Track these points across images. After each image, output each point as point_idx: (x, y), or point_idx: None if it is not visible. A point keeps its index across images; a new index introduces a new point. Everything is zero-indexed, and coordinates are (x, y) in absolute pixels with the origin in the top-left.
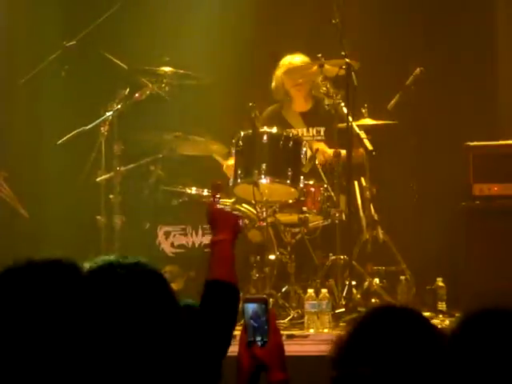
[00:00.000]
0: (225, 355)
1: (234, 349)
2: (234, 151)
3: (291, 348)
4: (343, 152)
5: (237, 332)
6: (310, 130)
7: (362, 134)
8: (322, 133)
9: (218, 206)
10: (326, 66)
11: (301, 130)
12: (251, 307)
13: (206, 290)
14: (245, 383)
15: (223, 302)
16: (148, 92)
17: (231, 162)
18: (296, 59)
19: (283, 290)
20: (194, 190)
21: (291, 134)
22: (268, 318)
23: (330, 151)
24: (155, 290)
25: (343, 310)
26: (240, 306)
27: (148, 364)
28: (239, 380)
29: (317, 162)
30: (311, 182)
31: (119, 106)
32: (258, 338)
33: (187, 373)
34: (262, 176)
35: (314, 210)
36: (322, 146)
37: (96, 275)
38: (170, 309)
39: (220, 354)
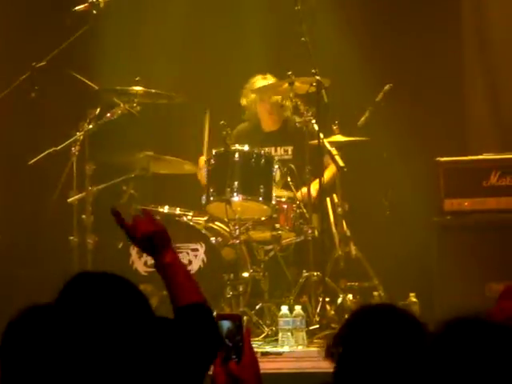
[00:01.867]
0: (205, 370)
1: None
2: (205, 170)
3: (266, 365)
4: (316, 183)
5: None
6: (278, 149)
7: (334, 151)
8: (289, 152)
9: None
10: (297, 84)
11: (268, 149)
12: (225, 325)
13: (178, 317)
14: None
15: (199, 324)
16: (119, 111)
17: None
18: (259, 81)
19: (257, 307)
20: (166, 209)
21: (263, 152)
22: (242, 335)
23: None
24: (130, 298)
25: (317, 326)
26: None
27: (124, 373)
28: None
29: (290, 182)
30: (284, 199)
31: (90, 126)
32: (233, 356)
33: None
34: (235, 194)
35: (287, 227)
36: (314, 185)
37: (71, 283)
38: (145, 318)
39: (202, 372)
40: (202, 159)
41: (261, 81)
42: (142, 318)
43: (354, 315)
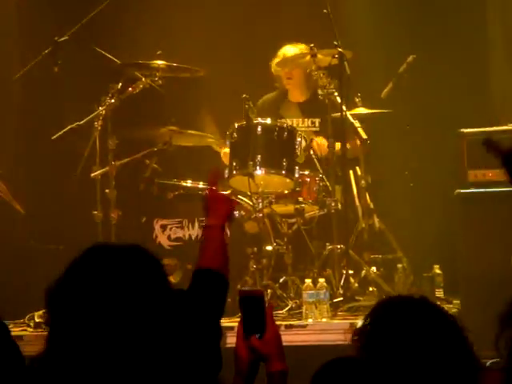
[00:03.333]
0: (217, 345)
1: (232, 340)
2: (228, 143)
3: (290, 338)
4: (338, 145)
5: (231, 323)
6: (306, 120)
7: (356, 123)
8: (316, 124)
9: (215, 191)
10: (319, 56)
11: (296, 121)
12: (248, 300)
13: (193, 279)
14: (244, 375)
15: (210, 292)
16: (141, 86)
17: (227, 149)
18: (289, 50)
19: (281, 280)
20: (189, 183)
21: (285, 125)
22: (265, 310)
23: (325, 143)
24: (148, 269)
25: (341, 299)
26: (237, 299)
27: (141, 346)
28: (238, 372)
29: (312, 154)
30: (306, 172)
31: (113, 101)
32: (256, 331)
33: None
34: (257, 167)
35: (310, 200)
36: (319, 140)
37: (90, 254)
38: (163, 290)
39: (211, 344)
40: (224, 150)
41: (285, 51)
42: (155, 288)
43: (379, 308)
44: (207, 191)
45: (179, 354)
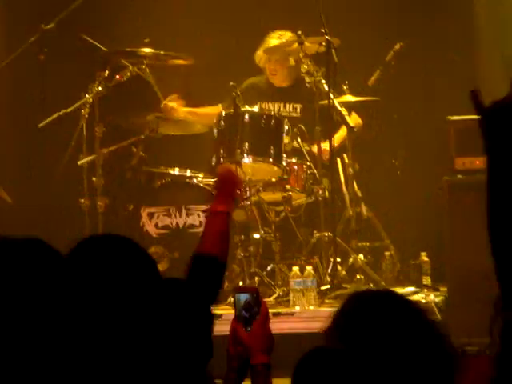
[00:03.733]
0: (209, 332)
1: (221, 328)
2: (215, 131)
3: (277, 326)
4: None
5: (219, 311)
6: (287, 105)
7: (344, 111)
8: (298, 110)
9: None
10: (306, 44)
11: (277, 105)
12: (243, 298)
13: (194, 263)
14: (235, 370)
15: (209, 279)
16: (129, 73)
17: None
18: (273, 40)
19: (268, 268)
20: (176, 171)
21: (273, 113)
22: (260, 307)
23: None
24: (136, 261)
25: (328, 286)
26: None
27: (131, 337)
28: (230, 369)
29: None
30: (294, 160)
31: (100, 88)
32: (249, 327)
33: (172, 348)
34: (245, 155)
35: (298, 188)
36: (324, 146)
37: (79, 248)
38: (152, 281)
39: (203, 331)
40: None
41: (276, 38)
42: (147, 280)
43: (349, 302)
44: (221, 170)
45: (170, 341)
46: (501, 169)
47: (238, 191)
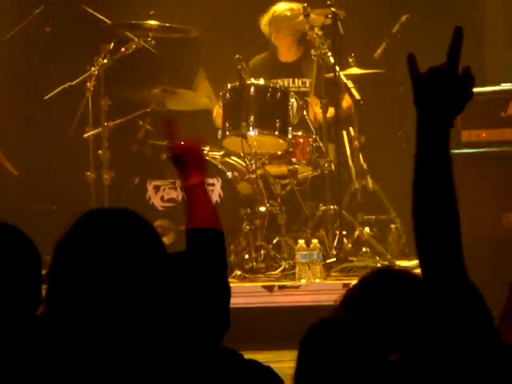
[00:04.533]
0: (226, 303)
1: (237, 300)
2: (221, 104)
3: (283, 299)
4: (331, 110)
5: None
6: (296, 80)
7: (350, 84)
8: (307, 84)
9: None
10: (312, 16)
11: (287, 81)
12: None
13: (189, 241)
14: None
15: (209, 250)
16: (134, 46)
17: (220, 110)
18: (280, 7)
19: (274, 241)
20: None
21: (278, 86)
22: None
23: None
24: (141, 234)
25: (334, 259)
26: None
27: (141, 309)
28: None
29: (308, 119)
30: (300, 133)
31: (105, 61)
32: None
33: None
34: (250, 128)
35: (304, 161)
36: (317, 109)
37: (83, 221)
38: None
39: (220, 302)
40: (217, 108)
41: (282, 9)
42: (152, 253)
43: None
44: (171, 149)
45: (181, 314)
46: (426, 135)
47: (202, 156)
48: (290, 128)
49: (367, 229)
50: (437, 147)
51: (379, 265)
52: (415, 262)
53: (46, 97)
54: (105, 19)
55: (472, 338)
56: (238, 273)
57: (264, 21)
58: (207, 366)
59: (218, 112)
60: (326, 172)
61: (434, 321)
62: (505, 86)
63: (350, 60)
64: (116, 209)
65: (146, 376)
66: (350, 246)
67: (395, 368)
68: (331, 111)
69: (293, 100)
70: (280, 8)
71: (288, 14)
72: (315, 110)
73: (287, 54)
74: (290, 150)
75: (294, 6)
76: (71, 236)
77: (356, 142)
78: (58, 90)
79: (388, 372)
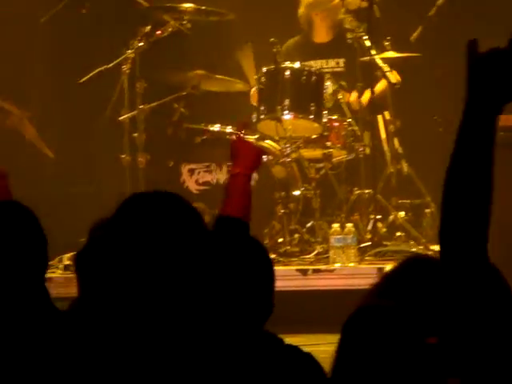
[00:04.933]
0: (270, 287)
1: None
2: (256, 87)
3: (317, 282)
4: (367, 94)
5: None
6: (330, 61)
7: (385, 67)
8: (341, 64)
9: (243, 140)
10: None
11: (320, 62)
12: None
13: (216, 225)
14: None
15: (231, 239)
16: (170, 29)
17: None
18: None
19: (308, 225)
20: (217, 127)
21: (314, 69)
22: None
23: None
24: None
25: (369, 243)
26: None
27: (186, 292)
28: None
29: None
30: (335, 117)
31: (141, 44)
32: None
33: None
34: (285, 112)
35: (338, 145)
36: (352, 97)
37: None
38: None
39: (265, 285)
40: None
41: None
42: (197, 234)
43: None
44: (235, 138)
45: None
46: (474, 119)
47: (259, 158)
48: (325, 112)
49: (402, 213)
50: (483, 132)
51: (414, 249)
52: None
53: (82, 80)
54: (142, 1)
55: (496, 320)
56: (272, 256)
57: (301, 8)
58: (249, 349)
59: (254, 91)
60: (361, 156)
61: (457, 303)
62: None
63: (386, 43)
64: (160, 192)
65: (189, 358)
66: (384, 230)
67: (434, 351)
68: (366, 95)
69: (328, 83)
70: None
71: None
72: (350, 99)
73: (322, 34)
74: (325, 133)
75: None
76: (117, 219)
77: (391, 126)
78: (93, 72)
79: (428, 355)
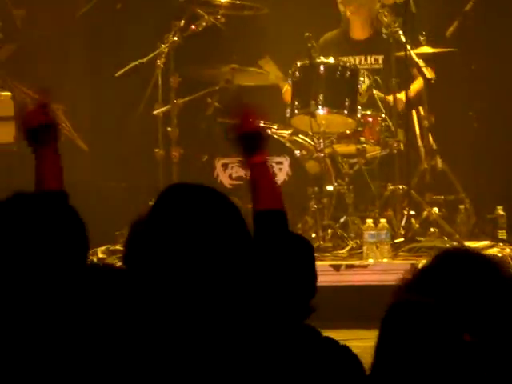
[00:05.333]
0: (307, 285)
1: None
2: (290, 82)
3: (351, 278)
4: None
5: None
6: (368, 58)
7: (421, 62)
8: (380, 61)
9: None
10: None
11: (358, 58)
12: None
13: (255, 222)
14: None
15: (279, 233)
16: (204, 23)
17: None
18: None
19: (341, 220)
20: None
21: (348, 64)
22: None
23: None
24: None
25: (402, 239)
26: None
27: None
28: None
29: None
30: (369, 112)
31: (175, 38)
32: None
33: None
34: (319, 107)
35: (372, 141)
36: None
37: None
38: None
39: (299, 285)
40: (287, 85)
41: None
42: (235, 228)
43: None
44: (236, 130)
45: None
46: None
47: (265, 137)
48: (360, 107)
49: (436, 209)
50: None
51: (448, 245)
52: (484, 243)
53: (117, 74)
54: None
55: None
56: None
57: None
58: (288, 341)
59: (287, 89)
60: (395, 151)
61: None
62: None
63: (422, 38)
64: (198, 185)
65: (230, 349)
66: (418, 226)
67: (473, 348)
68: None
69: (362, 78)
70: None
71: None
72: (387, 98)
73: (360, 31)
74: (359, 129)
75: None
76: (156, 210)
77: (426, 122)
78: (128, 67)
79: (466, 352)
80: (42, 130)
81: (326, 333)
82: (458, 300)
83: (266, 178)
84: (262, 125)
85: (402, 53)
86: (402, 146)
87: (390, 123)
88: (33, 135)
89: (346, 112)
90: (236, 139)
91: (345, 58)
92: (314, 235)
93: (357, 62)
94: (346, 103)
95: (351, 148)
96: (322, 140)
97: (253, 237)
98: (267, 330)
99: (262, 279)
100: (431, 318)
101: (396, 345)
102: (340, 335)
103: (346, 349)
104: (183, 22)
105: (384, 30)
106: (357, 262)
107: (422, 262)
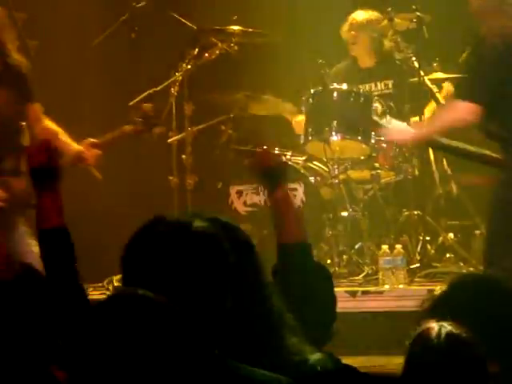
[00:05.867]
0: (328, 310)
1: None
2: (304, 109)
3: (367, 304)
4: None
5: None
6: (378, 84)
7: (434, 88)
8: (390, 85)
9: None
10: (397, 20)
11: (368, 86)
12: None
13: (283, 255)
14: None
15: (305, 266)
16: (217, 51)
17: (300, 118)
18: (359, 14)
19: (356, 246)
20: None
21: (361, 91)
22: None
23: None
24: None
25: (418, 265)
26: None
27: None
28: None
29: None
30: (383, 138)
31: (189, 66)
32: None
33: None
34: (333, 133)
35: (386, 166)
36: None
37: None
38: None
39: (322, 311)
40: (299, 118)
41: (361, 15)
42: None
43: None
44: (263, 164)
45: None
46: None
47: (278, 159)
48: (373, 133)
49: (451, 234)
50: None
51: (464, 271)
52: None
53: (132, 102)
54: (190, 24)
55: None
56: None
57: (344, 28)
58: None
59: (296, 121)
60: (410, 177)
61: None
62: None
63: (435, 64)
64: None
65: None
66: (433, 251)
67: (497, 379)
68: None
69: (376, 104)
70: (359, 15)
71: (372, 18)
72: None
73: (366, 59)
74: (373, 154)
75: (371, 12)
76: (138, 240)
77: None
78: (143, 95)
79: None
80: (43, 171)
81: (344, 359)
82: (475, 326)
83: (289, 211)
84: (281, 159)
85: (416, 79)
86: (416, 171)
87: (404, 149)
88: (33, 174)
89: (359, 138)
90: (257, 175)
91: (357, 86)
92: (329, 261)
93: (367, 89)
94: (360, 129)
95: (365, 174)
96: (336, 166)
97: (278, 268)
98: (285, 358)
99: (290, 307)
100: (457, 344)
101: (422, 370)
102: (357, 361)
103: (368, 376)
104: (197, 50)
105: (397, 56)
106: (373, 288)
107: (438, 288)
